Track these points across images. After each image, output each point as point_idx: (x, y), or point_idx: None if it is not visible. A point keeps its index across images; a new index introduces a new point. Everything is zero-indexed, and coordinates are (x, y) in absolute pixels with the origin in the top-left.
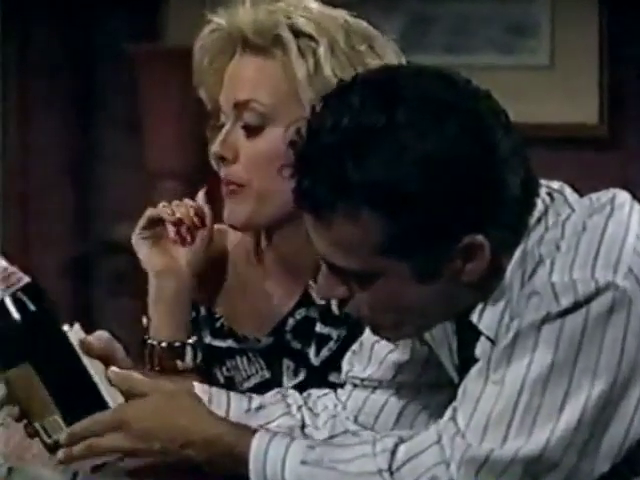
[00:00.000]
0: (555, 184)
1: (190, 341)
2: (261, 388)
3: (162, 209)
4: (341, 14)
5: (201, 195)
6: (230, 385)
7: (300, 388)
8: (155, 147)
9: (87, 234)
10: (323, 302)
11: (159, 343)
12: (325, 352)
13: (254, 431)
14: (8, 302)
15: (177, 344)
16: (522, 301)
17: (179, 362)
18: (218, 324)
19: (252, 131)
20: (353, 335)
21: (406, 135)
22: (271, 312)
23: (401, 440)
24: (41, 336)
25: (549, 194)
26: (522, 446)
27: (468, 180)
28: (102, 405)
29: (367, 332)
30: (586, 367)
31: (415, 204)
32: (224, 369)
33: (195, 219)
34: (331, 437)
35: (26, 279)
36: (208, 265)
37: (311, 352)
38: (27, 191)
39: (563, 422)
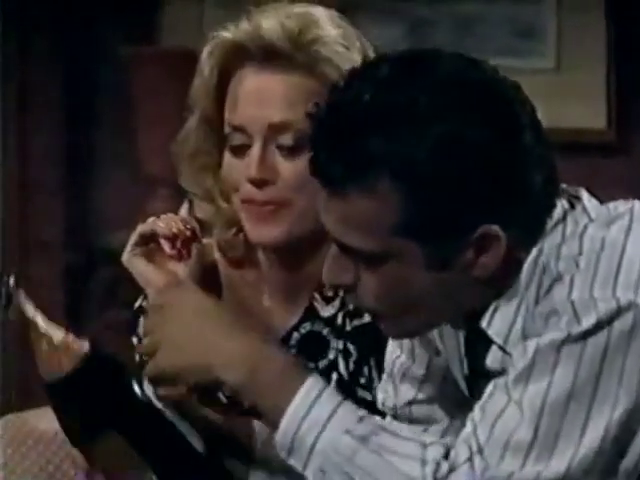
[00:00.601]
0: (574, 190)
1: None
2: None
3: (154, 224)
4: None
5: (185, 207)
6: (234, 405)
7: None
8: (151, 152)
9: (83, 241)
10: (328, 314)
11: None
12: (352, 366)
13: (303, 368)
14: (76, 375)
15: None
16: (539, 319)
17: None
18: None
19: (291, 152)
20: (370, 347)
21: (430, 113)
22: (274, 327)
23: (447, 452)
24: (117, 401)
25: (569, 200)
26: (542, 470)
27: (489, 164)
28: (194, 454)
29: (388, 356)
30: (608, 389)
31: (433, 182)
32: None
33: (187, 232)
34: None
35: (86, 346)
36: (201, 281)
37: (341, 367)
38: (22, 197)
39: (585, 446)
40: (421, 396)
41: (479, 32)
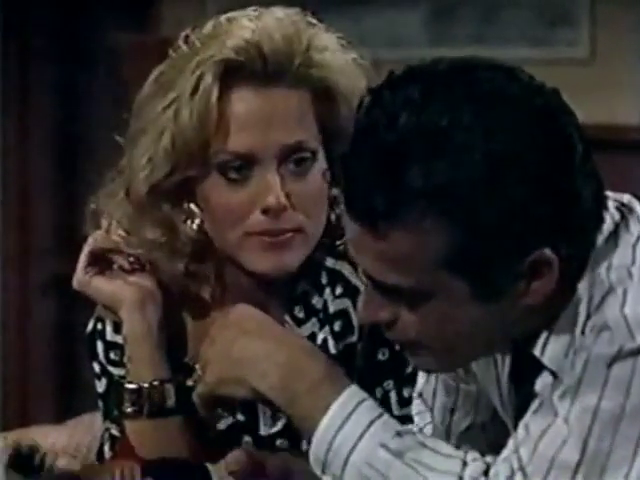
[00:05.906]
0: (624, 197)
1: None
2: (232, 430)
3: (106, 240)
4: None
5: (104, 225)
6: (207, 426)
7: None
8: None
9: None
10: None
11: (150, 383)
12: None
13: (342, 379)
14: None
15: (157, 383)
16: (590, 333)
17: (169, 401)
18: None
19: (299, 173)
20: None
21: (474, 135)
22: None
23: (487, 470)
24: None
25: (619, 209)
26: None
27: (541, 185)
28: None
29: (420, 380)
30: None
31: (483, 210)
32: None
33: None
34: None
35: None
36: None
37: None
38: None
39: (636, 473)
40: (454, 419)
41: (506, 18)
